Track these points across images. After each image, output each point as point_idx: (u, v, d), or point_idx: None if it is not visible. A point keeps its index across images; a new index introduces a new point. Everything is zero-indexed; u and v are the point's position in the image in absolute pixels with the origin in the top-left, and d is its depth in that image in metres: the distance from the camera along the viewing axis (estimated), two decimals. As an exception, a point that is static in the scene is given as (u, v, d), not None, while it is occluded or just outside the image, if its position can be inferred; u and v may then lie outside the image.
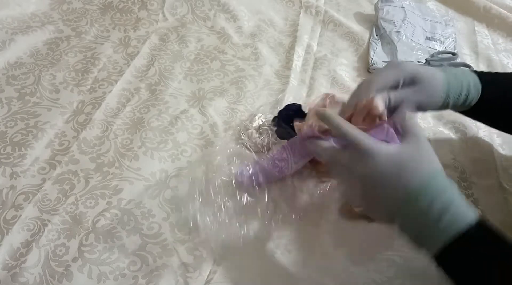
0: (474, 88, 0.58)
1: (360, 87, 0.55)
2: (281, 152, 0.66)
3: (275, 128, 0.71)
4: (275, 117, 0.71)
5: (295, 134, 0.66)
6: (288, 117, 0.69)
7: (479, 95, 0.58)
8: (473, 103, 0.59)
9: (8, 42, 0.82)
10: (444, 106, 0.58)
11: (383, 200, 0.45)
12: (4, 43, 0.82)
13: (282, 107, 0.75)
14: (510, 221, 0.65)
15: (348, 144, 0.47)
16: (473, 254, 0.42)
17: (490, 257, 0.41)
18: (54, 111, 0.72)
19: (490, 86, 0.59)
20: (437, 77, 0.56)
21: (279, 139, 0.71)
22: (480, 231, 0.43)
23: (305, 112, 0.70)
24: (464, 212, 0.43)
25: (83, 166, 0.66)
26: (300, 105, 0.71)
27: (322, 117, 0.49)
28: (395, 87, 0.54)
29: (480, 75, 0.59)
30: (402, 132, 0.47)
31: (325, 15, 0.99)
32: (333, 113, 0.49)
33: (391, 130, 0.49)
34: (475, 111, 0.61)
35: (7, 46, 0.81)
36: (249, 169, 0.64)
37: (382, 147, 0.45)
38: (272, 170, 0.63)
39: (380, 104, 0.51)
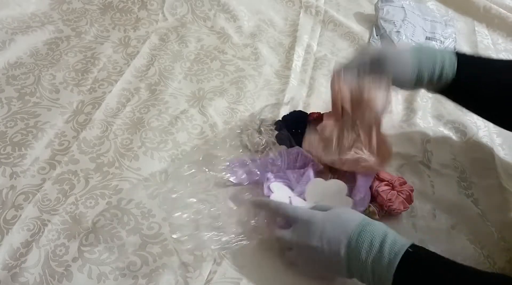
0: (450, 66, 0.58)
1: (332, 79, 0.61)
2: (276, 158, 0.66)
3: (276, 132, 0.70)
4: (277, 121, 0.71)
5: (295, 142, 0.67)
6: (291, 124, 0.69)
7: (454, 74, 0.58)
8: (449, 81, 0.59)
9: (8, 42, 0.82)
10: (419, 83, 0.59)
11: (327, 259, 0.50)
12: (4, 43, 0.82)
13: (284, 109, 0.75)
14: (510, 221, 0.65)
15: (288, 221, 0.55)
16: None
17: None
18: (54, 111, 0.72)
19: (467, 66, 0.59)
20: (405, 55, 0.58)
21: (275, 136, 0.70)
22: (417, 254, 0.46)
23: (309, 120, 0.70)
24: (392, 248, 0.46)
25: (83, 166, 0.66)
26: (305, 114, 0.71)
27: (258, 205, 0.58)
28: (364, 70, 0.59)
29: (459, 55, 0.59)
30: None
31: (325, 15, 0.99)
32: (263, 200, 0.59)
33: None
34: (450, 91, 0.61)
35: (7, 46, 0.81)
36: (239, 166, 0.65)
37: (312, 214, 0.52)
38: (262, 172, 0.64)
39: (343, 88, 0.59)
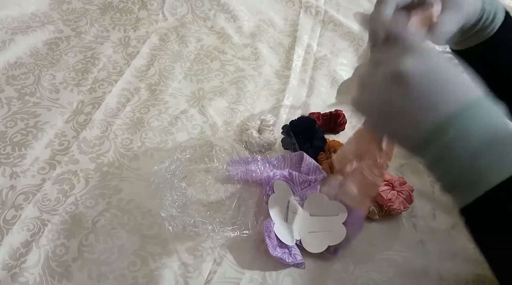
0: (501, 13, 0.50)
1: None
2: (278, 160, 0.66)
3: (282, 136, 0.70)
4: (285, 126, 0.71)
5: (299, 148, 0.67)
6: (298, 130, 0.69)
7: (500, 24, 0.50)
8: (495, 30, 0.50)
9: (8, 42, 0.82)
10: (476, 23, 0.49)
11: (413, 120, 0.36)
12: (4, 43, 0.82)
13: (285, 111, 0.75)
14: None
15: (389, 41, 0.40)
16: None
17: None
18: (54, 111, 0.72)
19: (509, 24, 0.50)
20: None
21: (281, 140, 0.71)
22: None
23: (316, 128, 0.70)
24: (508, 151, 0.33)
25: (83, 166, 0.66)
26: (314, 121, 0.70)
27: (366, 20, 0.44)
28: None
29: (507, 13, 0.51)
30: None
31: (325, 15, 0.99)
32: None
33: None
34: (484, 48, 0.51)
35: (7, 46, 0.81)
36: (240, 164, 0.65)
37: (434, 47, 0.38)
38: (262, 172, 0.64)
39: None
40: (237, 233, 0.58)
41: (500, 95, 0.43)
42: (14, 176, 0.63)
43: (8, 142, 0.67)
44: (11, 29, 0.84)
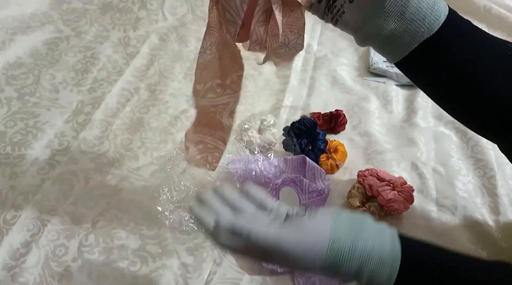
0: (444, 7, 0.42)
1: None
2: (279, 162, 0.66)
3: (283, 137, 0.70)
4: (286, 127, 0.70)
5: (299, 150, 0.67)
6: (299, 131, 0.69)
7: (441, 23, 0.42)
8: (435, 29, 0.41)
9: (8, 42, 0.82)
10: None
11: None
12: (4, 43, 0.81)
13: (285, 111, 0.75)
14: (510, 222, 0.65)
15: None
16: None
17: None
18: (54, 111, 0.72)
19: (456, 21, 0.43)
20: None
21: (282, 142, 0.70)
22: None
23: (317, 130, 0.69)
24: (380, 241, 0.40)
25: (83, 166, 0.65)
26: (315, 123, 0.70)
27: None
28: None
29: (453, 12, 0.43)
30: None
31: (325, 15, 0.99)
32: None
33: None
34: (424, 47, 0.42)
35: (7, 46, 0.81)
36: (241, 163, 0.65)
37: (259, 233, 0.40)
38: (262, 171, 0.64)
39: None
40: None
41: (450, 96, 0.47)
42: (14, 176, 0.63)
43: (8, 142, 0.67)
44: (11, 29, 0.84)
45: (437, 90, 0.48)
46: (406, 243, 0.40)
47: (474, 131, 0.51)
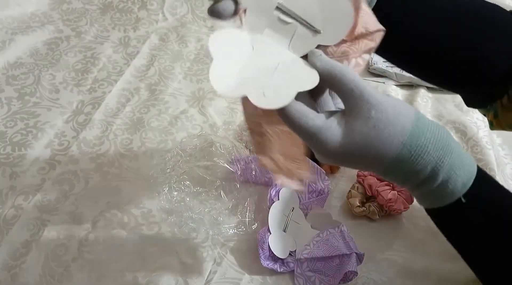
0: None
1: None
2: None
3: None
4: None
5: None
6: None
7: None
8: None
9: (8, 42, 0.82)
10: None
11: (368, 168, 0.37)
12: (4, 43, 0.81)
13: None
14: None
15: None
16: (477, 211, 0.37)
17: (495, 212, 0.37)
18: (54, 111, 0.72)
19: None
20: None
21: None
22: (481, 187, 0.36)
23: None
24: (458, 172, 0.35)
25: (83, 166, 0.66)
26: None
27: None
28: None
29: None
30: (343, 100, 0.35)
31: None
32: None
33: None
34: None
35: (7, 46, 0.81)
36: (241, 163, 0.65)
37: (327, 134, 0.34)
38: (262, 172, 0.64)
39: None
40: (234, 231, 0.58)
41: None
42: (14, 176, 0.63)
43: (8, 142, 0.67)
44: (11, 29, 0.84)
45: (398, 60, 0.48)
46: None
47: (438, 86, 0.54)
